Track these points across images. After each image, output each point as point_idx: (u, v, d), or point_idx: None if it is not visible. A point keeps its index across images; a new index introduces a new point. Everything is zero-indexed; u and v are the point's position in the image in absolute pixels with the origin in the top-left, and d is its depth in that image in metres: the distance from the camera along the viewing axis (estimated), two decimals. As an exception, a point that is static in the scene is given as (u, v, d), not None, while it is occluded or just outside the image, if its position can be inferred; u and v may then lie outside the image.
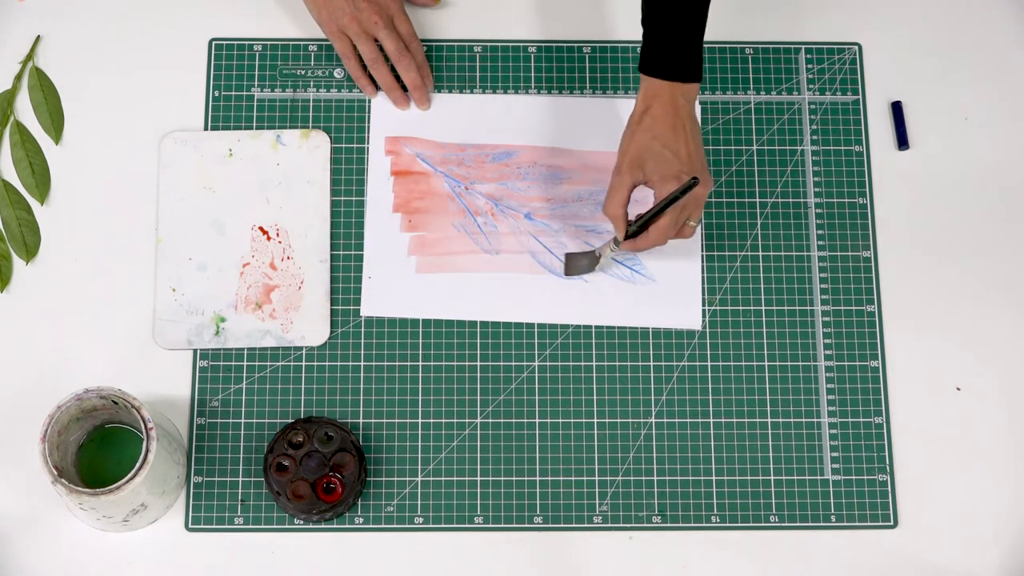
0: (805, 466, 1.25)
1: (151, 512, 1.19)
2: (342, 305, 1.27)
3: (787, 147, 1.33)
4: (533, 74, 1.35)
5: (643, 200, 1.24)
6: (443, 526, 1.23)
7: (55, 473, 1.10)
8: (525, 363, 1.26)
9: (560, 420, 1.25)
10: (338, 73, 1.34)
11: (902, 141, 1.34)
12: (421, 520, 1.23)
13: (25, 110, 1.32)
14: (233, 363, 1.25)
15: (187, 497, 1.22)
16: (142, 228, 1.29)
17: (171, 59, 1.33)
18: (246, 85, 1.33)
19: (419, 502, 1.23)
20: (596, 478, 1.24)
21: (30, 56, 1.33)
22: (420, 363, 1.26)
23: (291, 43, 1.35)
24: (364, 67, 1.32)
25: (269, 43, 1.34)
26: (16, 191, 1.29)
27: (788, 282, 1.29)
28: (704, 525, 1.23)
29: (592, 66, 1.35)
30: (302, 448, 1.21)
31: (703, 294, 1.29)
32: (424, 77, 1.32)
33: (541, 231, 1.30)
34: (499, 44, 1.35)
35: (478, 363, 1.26)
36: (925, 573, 1.23)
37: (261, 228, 1.29)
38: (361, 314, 1.27)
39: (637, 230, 1.20)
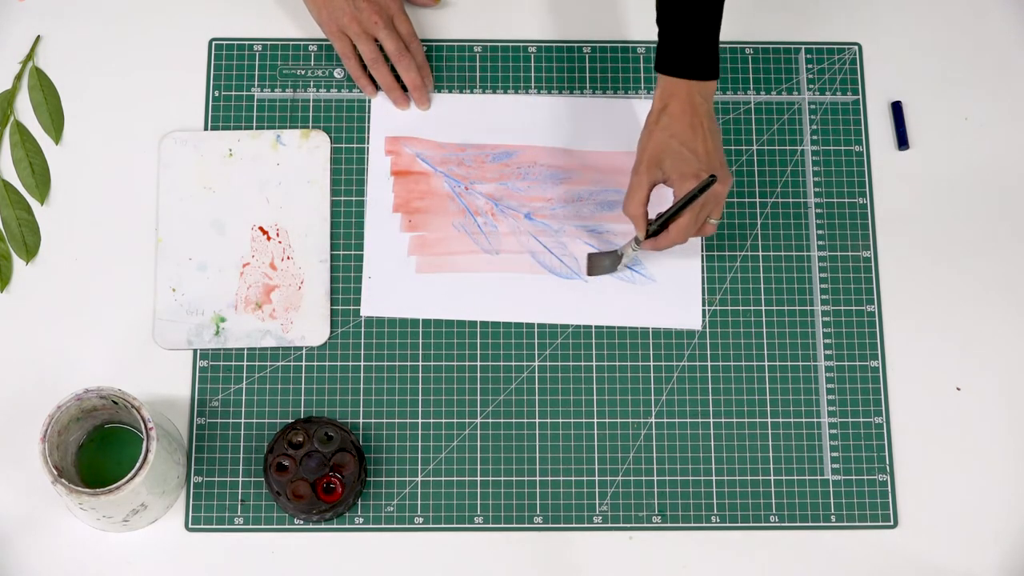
0: (805, 466, 1.25)
1: (151, 512, 1.19)
2: (342, 305, 1.27)
3: (787, 147, 1.33)
4: (533, 74, 1.35)
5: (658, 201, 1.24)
6: (443, 526, 1.23)
7: (55, 473, 1.10)
8: (525, 363, 1.26)
9: (560, 420, 1.25)
10: (338, 73, 1.34)
11: (902, 141, 1.34)
12: (421, 520, 1.23)
13: (25, 110, 1.32)
14: (233, 363, 1.25)
15: (187, 497, 1.22)
16: (142, 228, 1.29)
17: (171, 59, 1.33)
18: (246, 85, 1.33)
19: (419, 502, 1.23)
20: (596, 478, 1.24)
21: (30, 56, 1.33)
22: (420, 363, 1.26)
23: (291, 43, 1.35)
24: (364, 67, 1.32)
25: (269, 43, 1.34)
26: (16, 191, 1.29)
27: (788, 282, 1.29)
28: (704, 525, 1.23)
29: (592, 66, 1.35)
30: (302, 448, 1.21)
31: (703, 294, 1.29)
32: (424, 77, 1.32)
33: (541, 231, 1.30)
34: (499, 44, 1.35)
35: (478, 363, 1.26)
36: (925, 573, 1.23)
37: (261, 228, 1.29)
38: (361, 314, 1.27)
39: (658, 229, 1.20)
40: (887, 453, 1.25)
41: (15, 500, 1.21)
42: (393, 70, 1.31)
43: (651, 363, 1.27)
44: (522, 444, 1.24)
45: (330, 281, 1.28)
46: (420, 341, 1.27)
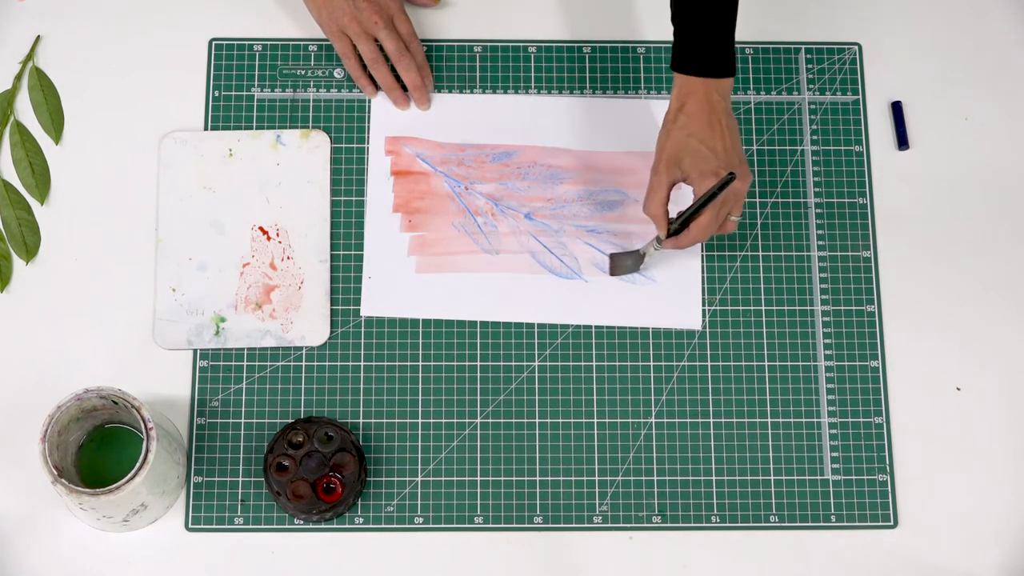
0: (805, 466, 1.25)
1: (151, 512, 1.19)
2: (342, 305, 1.27)
3: (787, 147, 1.33)
4: (533, 74, 1.35)
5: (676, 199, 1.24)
6: (443, 526, 1.23)
7: (55, 473, 1.10)
8: (525, 363, 1.26)
9: (560, 420, 1.25)
10: (338, 73, 1.34)
11: (902, 141, 1.34)
12: (421, 520, 1.23)
13: (25, 110, 1.32)
14: (233, 363, 1.25)
15: (187, 497, 1.22)
16: (142, 228, 1.29)
17: (171, 59, 1.33)
18: (246, 85, 1.33)
19: (419, 502, 1.23)
20: (596, 478, 1.24)
21: (30, 56, 1.33)
22: (420, 363, 1.26)
23: (291, 43, 1.35)
24: (364, 67, 1.32)
25: (269, 43, 1.34)
26: (16, 191, 1.29)
27: (788, 282, 1.29)
28: (704, 525, 1.23)
29: (592, 66, 1.35)
30: (302, 448, 1.21)
31: (703, 294, 1.29)
32: (424, 77, 1.32)
33: (541, 231, 1.30)
34: (499, 44, 1.35)
35: (478, 363, 1.26)
36: (925, 573, 1.23)
37: (261, 228, 1.29)
38: (361, 314, 1.27)
39: (679, 228, 1.20)
40: (887, 453, 1.25)
41: (15, 500, 1.21)
42: (393, 70, 1.31)
43: (651, 363, 1.27)
44: (522, 444, 1.24)
45: (330, 281, 1.28)
46: (420, 341, 1.27)
